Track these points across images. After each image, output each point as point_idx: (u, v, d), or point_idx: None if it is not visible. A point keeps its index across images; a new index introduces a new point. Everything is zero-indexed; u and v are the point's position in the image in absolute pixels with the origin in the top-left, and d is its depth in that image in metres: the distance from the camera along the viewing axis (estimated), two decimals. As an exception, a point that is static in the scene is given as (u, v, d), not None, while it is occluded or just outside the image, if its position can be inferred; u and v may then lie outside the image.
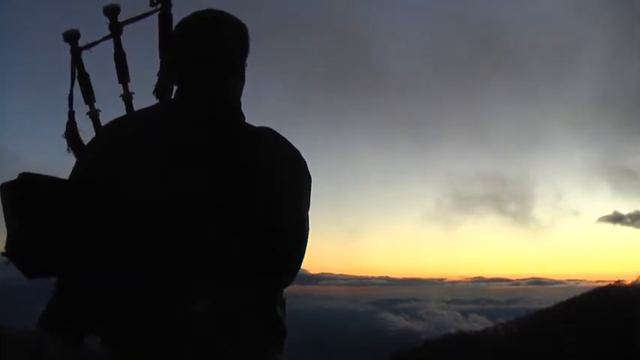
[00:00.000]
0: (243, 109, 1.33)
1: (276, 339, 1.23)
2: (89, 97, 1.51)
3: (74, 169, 1.30)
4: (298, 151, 1.34)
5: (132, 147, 1.22)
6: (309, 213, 1.31)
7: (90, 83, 1.53)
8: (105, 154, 1.24)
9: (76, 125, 1.56)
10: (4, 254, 1.16)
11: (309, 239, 1.30)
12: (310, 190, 1.32)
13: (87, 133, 1.53)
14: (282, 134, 1.34)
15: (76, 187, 1.21)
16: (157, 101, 1.43)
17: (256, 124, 1.34)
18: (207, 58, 1.27)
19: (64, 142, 1.54)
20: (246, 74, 1.34)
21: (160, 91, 1.41)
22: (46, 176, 1.21)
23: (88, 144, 1.35)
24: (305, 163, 1.35)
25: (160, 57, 1.45)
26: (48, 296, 1.24)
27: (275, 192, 1.23)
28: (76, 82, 1.56)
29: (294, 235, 1.25)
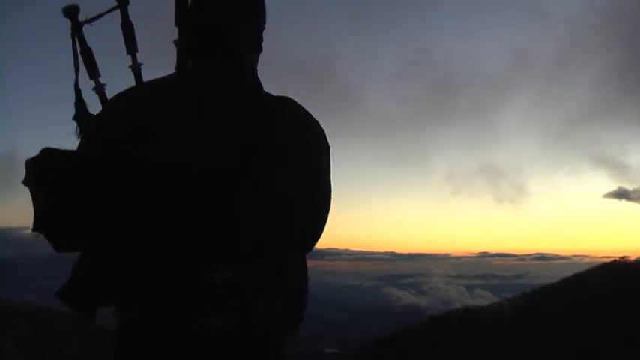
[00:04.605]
0: None
1: (295, 313, 1.26)
2: (94, 71, 1.47)
3: (87, 139, 1.28)
4: (316, 121, 1.33)
5: (147, 115, 1.20)
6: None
7: (93, 57, 1.48)
8: (120, 122, 1.21)
9: (85, 104, 1.49)
10: (34, 229, 1.15)
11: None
12: (329, 158, 1.33)
13: (93, 109, 1.48)
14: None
15: (98, 158, 1.21)
16: (162, 73, 1.40)
17: None
18: (211, 40, 1.26)
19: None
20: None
21: (181, 61, 1.38)
22: (68, 150, 1.21)
23: (99, 114, 1.32)
24: (323, 132, 1.34)
25: (176, 25, 1.41)
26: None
27: (295, 165, 1.23)
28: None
29: (318, 199, 1.28)
